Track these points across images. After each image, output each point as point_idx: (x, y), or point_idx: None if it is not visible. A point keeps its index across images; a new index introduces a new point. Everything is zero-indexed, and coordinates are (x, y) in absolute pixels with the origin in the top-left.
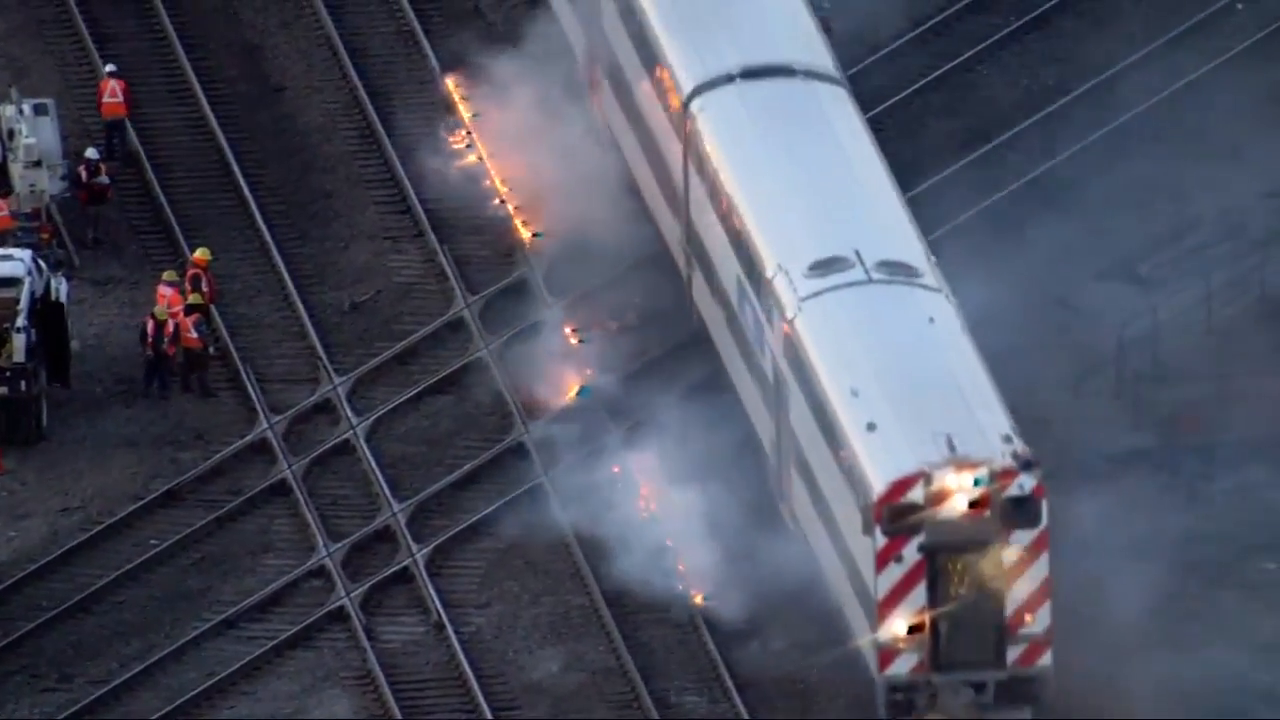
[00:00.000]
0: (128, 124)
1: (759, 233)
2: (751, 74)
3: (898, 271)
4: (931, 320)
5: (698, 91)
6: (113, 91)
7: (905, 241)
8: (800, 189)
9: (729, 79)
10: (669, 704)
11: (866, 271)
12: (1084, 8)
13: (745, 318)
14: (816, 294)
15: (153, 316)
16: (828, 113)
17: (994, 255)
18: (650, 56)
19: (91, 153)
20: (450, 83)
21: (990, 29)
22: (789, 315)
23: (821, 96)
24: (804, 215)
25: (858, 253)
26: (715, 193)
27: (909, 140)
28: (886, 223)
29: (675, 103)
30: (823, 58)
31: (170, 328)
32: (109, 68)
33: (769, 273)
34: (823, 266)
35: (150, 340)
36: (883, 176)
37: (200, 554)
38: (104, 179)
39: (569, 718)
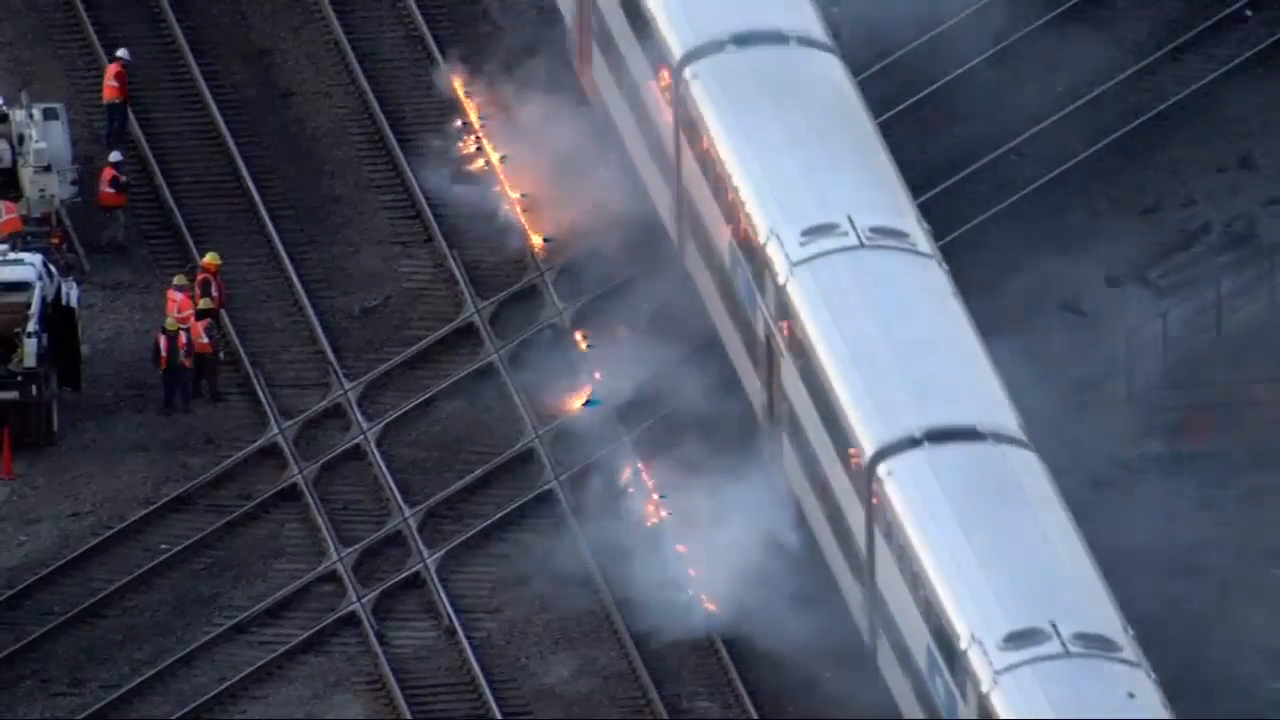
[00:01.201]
0: (128, 109)
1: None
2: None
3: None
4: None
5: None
6: (117, 74)
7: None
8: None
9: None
10: (680, 709)
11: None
12: (1092, 13)
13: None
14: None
15: (163, 331)
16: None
17: (1005, 260)
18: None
19: (116, 155)
20: (459, 86)
21: (998, 36)
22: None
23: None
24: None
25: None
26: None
27: (918, 146)
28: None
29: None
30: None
31: (183, 339)
32: (120, 52)
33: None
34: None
35: (164, 355)
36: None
37: (211, 559)
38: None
39: None
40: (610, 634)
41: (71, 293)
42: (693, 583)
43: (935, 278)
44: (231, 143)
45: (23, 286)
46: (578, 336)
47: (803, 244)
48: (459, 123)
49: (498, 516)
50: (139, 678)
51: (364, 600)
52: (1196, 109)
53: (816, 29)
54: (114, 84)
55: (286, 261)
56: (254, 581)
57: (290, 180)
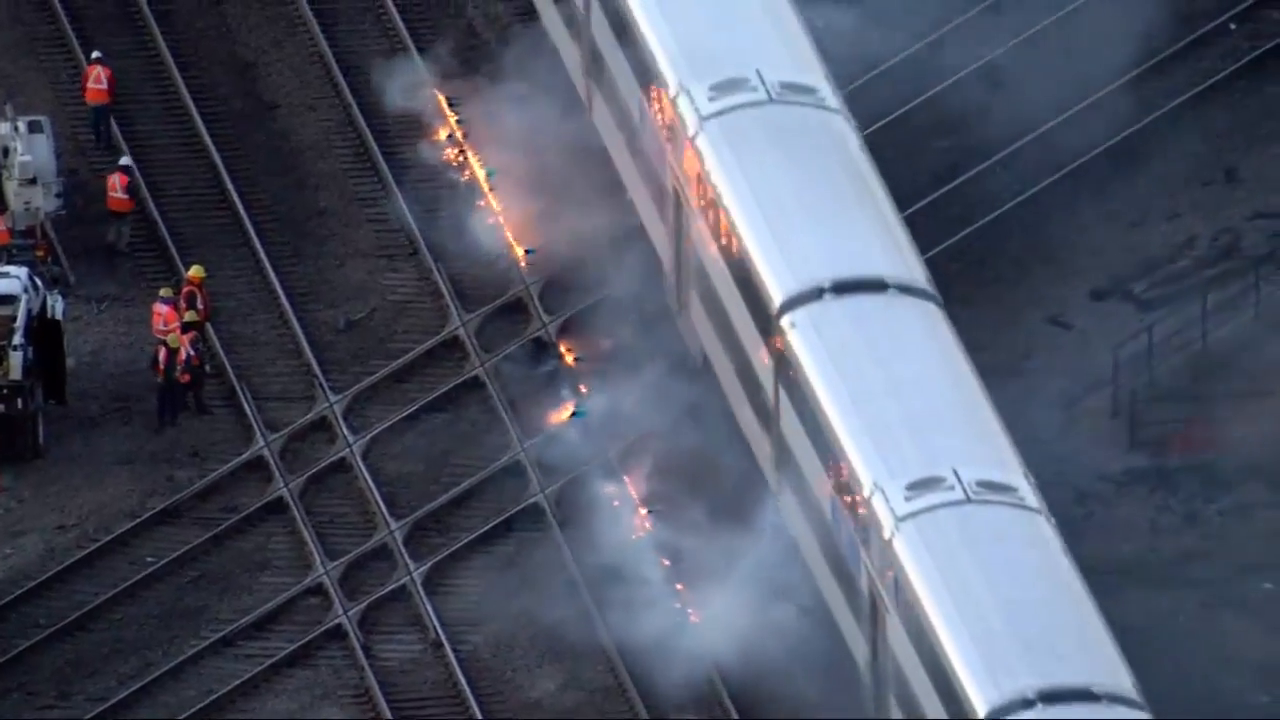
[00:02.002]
0: (110, 113)
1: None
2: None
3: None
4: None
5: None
6: (98, 78)
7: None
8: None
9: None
10: None
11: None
12: (1077, 28)
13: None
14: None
15: (165, 344)
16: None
17: (991, 274)
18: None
19: (126, 160)
20: (443, 99)
21: (983, 48)
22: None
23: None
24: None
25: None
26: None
27: (904, 160)
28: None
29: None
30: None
31: (182, 355)
32: (95, 54)
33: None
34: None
35: (162, 368)
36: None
37: (197, 572)
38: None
39: None
40: (597, 648)
41: (57, 305)
42: (681, 598)
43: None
44: (216, 155)
45: (8, 299)
46: (563, 349)
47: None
48: (444, 135)
49: (484, 530)
50: (126, 691)
51: (350, 613)
52: (1181, 122)
53: (919, 275)
54: (103, 87)
55: (272, 274)
56: (240, 595)
57: (275, 193)
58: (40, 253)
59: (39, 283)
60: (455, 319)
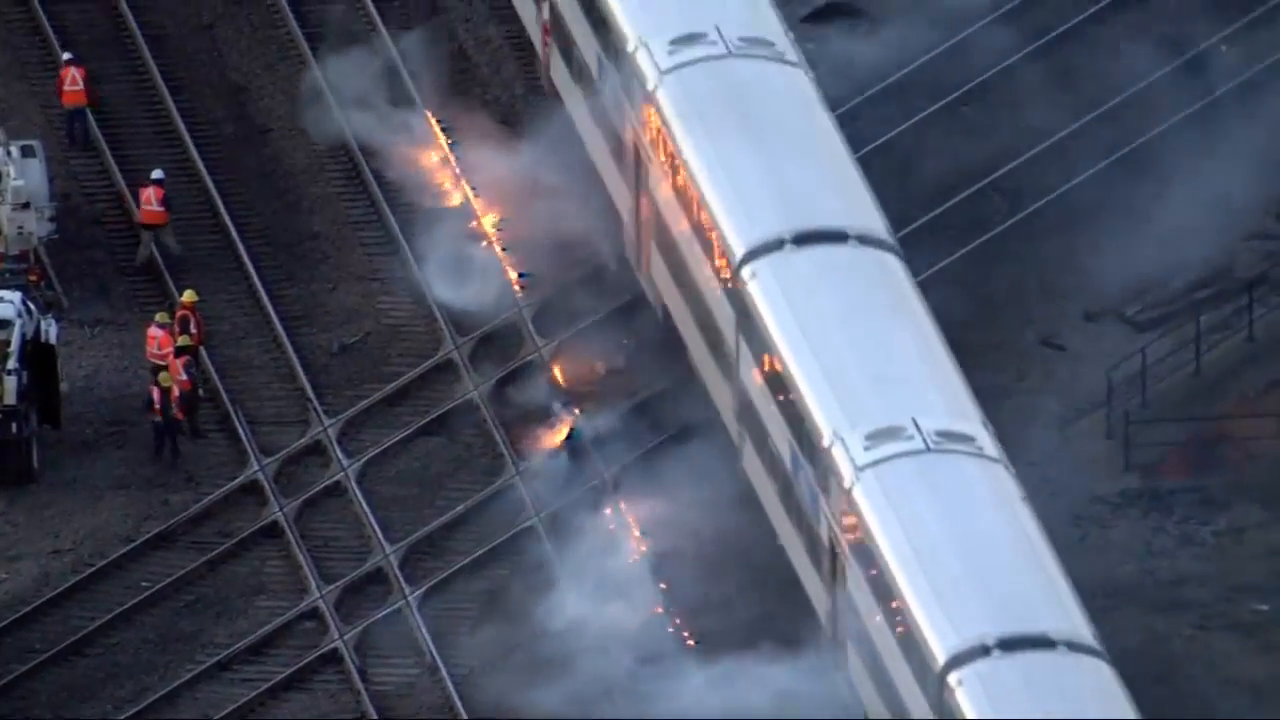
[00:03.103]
0: (88, 112)
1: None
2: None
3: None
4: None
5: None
6: (73, 80)
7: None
8: None
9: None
10: None
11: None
12: (1066, 50)
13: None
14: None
15: (157, 384)
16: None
17: (983, 296)
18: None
19: (158, 174)
20: (434, 122)
21: (974, 71)
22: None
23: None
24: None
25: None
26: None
27: (895, 182)
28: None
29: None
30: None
31: (175, 393)
32: (66, 55)
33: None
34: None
35: (157, 406)
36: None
37: (193, 596)
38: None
39: None
40: (592, 669)
41: (50, 330)
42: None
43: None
44: (209, 179)
45: (1, 324)
46: (556, 372)
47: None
48: (435, 159)
49: (479, 553)
50: (122, 715)
51: (346, 637)
52: (1174, 144)
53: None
54: (79, 88)
55: (265, 298)
56: (236, 619)
57: (268, 217)
58: (34, 277)
59: (33, 307)
60: (449, 342)
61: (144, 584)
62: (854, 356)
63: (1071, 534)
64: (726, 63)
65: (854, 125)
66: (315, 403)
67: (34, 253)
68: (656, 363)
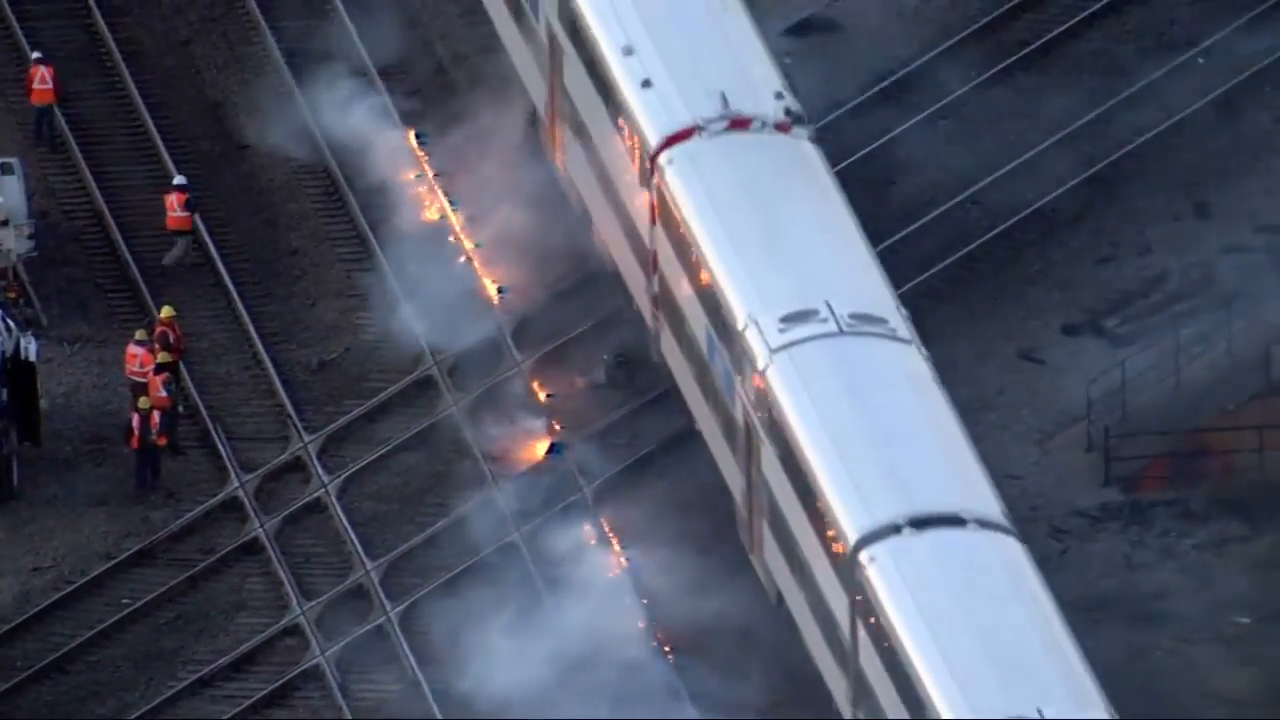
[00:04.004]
0: (56, 110)
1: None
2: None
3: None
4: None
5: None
6: (42, 78)
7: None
8: None
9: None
10: None
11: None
12: (1045, 63)
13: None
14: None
15: (136, 411)
16: None
17: (962, 310)
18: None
19: (180, 180)
20: (412, 137)
21: (952, 85)
22: None
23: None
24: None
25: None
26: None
27: (875, 195)
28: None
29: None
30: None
31: (155, 419)
32: (35, 54)
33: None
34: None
35: (136, 434)
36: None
37: (174, 613)
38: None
39: None
40: (574, 687)
41: (30, 347)
42: (653, 632)
43: None
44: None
45: None
46: (536, 386)
47: None
48: (414, 173)
49: (460, 569)
50: None
51: (327, 654)
52: (1150, 158)
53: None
54: (48, 86)
55: (244, 314)
56: (217, 635)
57: (246, 233)
58: (12, 294)
59: (11, 324)
60: (428, 359)
61: (125, 601)
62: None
63: (1053, 547)
64: (838, 340)
65: (833, 138)
66: (295, 419)
67: (13, 270)
68: None
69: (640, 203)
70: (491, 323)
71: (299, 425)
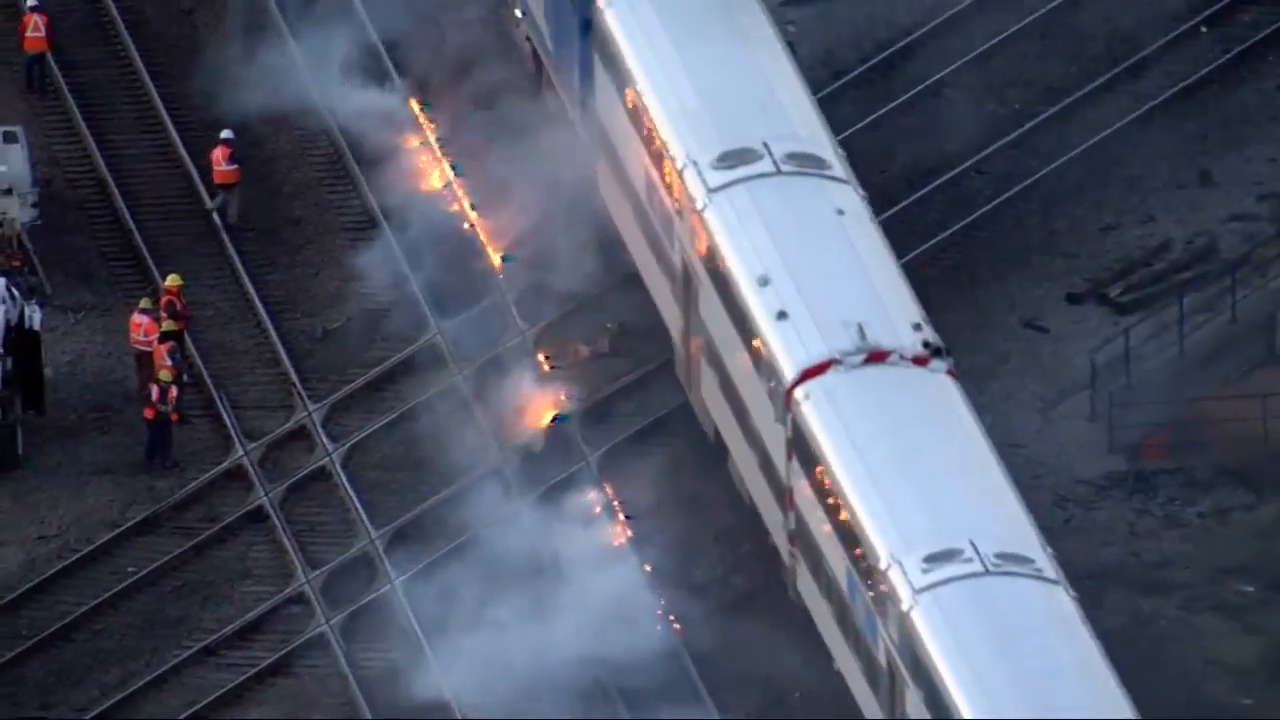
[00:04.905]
0: (49, 58)
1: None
2: None
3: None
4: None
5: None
6: (35, 26)
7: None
8: None
9: None
10: None
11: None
12: (1049, 32)
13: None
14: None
15: (156, 382)
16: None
17: (967, 278)
18: None
19: (227, 133)
20: (415, 105)
21: (955, 54)
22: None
23: None
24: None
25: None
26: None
27: (878, 164)
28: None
29: None
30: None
31: (174, 392)
32: (30, 2)
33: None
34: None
35: (154, 406)
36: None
37: (179, 581)
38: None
39: None
40: (577, 655)
41: (34, 316)
42: (661, 604)
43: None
44: (191, 165)
45: None
46: (540, 357)
47: None
48: (417, 141)
49: (464, 538)
50: (109, 701)
51: (332, 622)
52: (1154, 126)
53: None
54: (41, 34)
55: (248, 283)
56: (222, 604)
57: (250, 202)
58: (16, 263)
59: (16, 293)
60: (431, 327)
61: (130, 569)
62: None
63: (1057, 516)
64: (986, 581)
65: (836, 108)
66: (299, 387)
67: (17, 238)
68: None
69: (777, 437)
70: (495, 292)
71: (303, 394)
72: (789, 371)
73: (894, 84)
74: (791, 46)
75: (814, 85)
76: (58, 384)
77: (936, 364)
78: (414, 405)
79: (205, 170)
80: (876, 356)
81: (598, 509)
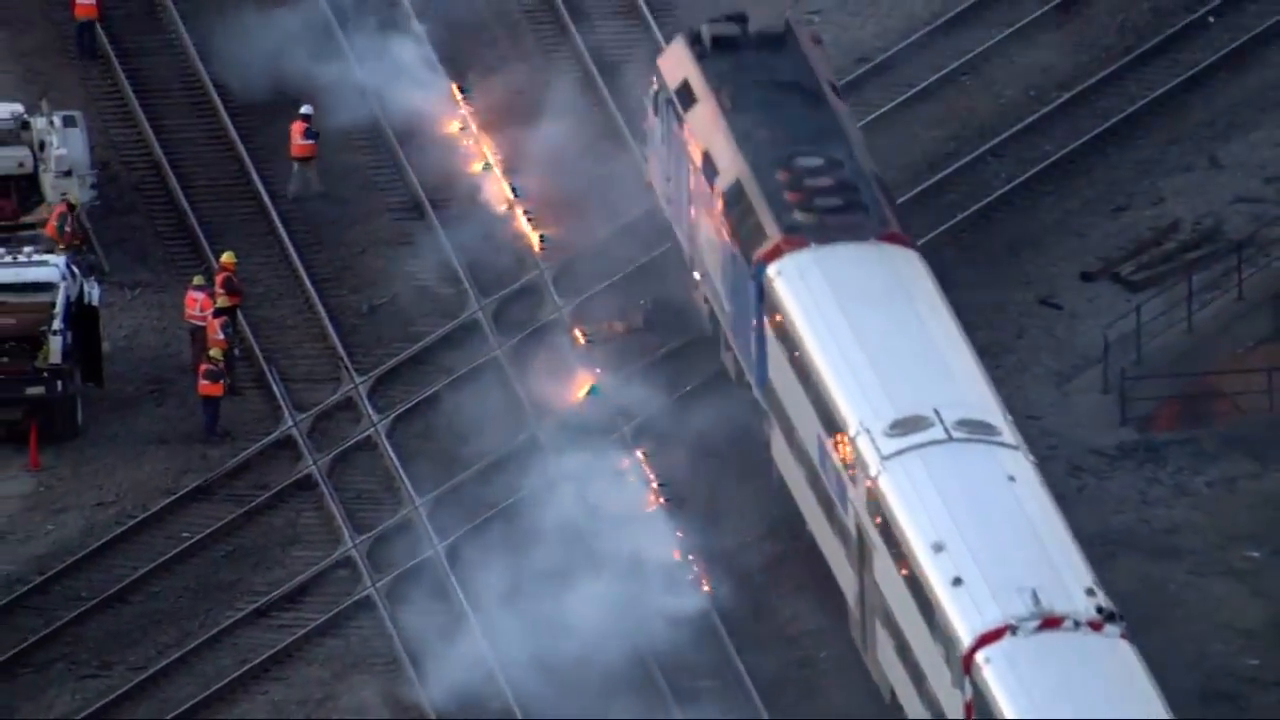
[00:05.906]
0: (97, 26)
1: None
2: None
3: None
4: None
5: None
6: None
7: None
8: None
9: None
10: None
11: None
12: (1062, 22)
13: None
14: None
15: (209, 359)
16: None
17: (985, 257)
18: None
19: (307, 109)
20: (457, 90)
21: (974, 42)
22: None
23: None
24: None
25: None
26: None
27: (898, 149)
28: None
29: None
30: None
31: (223, 364)
32: None
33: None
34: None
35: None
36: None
37: (231, 546)
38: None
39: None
40: (619, 614)
41: (93, 292)
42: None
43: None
44: (242, 147)
45: (47, 287)
46: (577, 333)
47: None
48: (460, 127)
49: (504, 504)
50: (165, 660)
51: (379, 585)
52: (1164, 112)
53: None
54: (91, 2)
55: (297, 261)
56: (272, 568)
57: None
58: (77, 241)
59: (76, 270)
60: (473, 303)
61: (184, 535)
62: None
63: (1071, 484)
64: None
65: (857, 94)
66: (346, 361)
67: (76, 219)
68: None
69: (954, 701)
70: (534, 269)
71: (350, 367)
72: (965, 637)
73: (914, 71)
74: (815, 35)
75: (838, 71)
76: (115, 357)
77: (1110, 629)
78: (456, 378)
79: (256, 153)
80: (1051, 622)
81: (631, 478)
